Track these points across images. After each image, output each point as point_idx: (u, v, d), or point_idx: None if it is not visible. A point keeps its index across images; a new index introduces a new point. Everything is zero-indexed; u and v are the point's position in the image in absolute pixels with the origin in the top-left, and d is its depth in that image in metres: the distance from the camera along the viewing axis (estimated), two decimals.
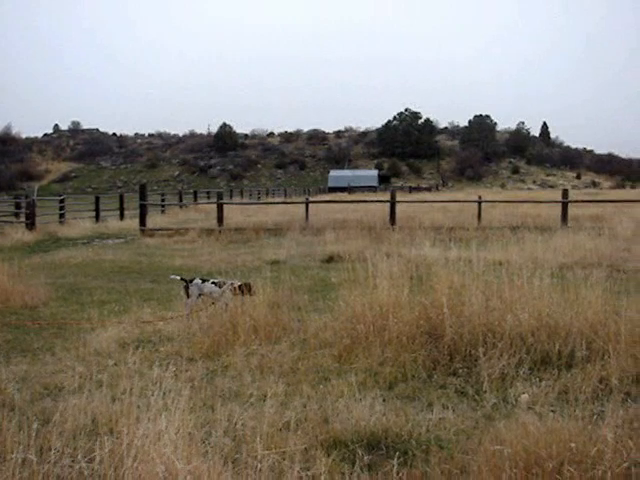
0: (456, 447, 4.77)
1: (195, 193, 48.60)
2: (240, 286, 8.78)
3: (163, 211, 37.30)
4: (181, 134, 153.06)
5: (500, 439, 4.29)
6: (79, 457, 4.05)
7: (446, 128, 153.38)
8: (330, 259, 16.18)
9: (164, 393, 4.63)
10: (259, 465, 3.99)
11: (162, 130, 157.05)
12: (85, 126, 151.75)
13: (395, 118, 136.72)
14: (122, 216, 32.09)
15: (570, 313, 7.05)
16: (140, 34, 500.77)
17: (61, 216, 30.11)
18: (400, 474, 4.23)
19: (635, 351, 6.37)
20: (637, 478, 3.77)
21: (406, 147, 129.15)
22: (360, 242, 17.68)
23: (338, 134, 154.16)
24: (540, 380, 6.12)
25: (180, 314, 9.21)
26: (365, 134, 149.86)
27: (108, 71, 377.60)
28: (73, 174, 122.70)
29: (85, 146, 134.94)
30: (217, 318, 8.26)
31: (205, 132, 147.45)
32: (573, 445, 3.95)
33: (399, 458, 4.36)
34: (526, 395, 5.78)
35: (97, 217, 31.09)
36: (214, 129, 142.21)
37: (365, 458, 4.48)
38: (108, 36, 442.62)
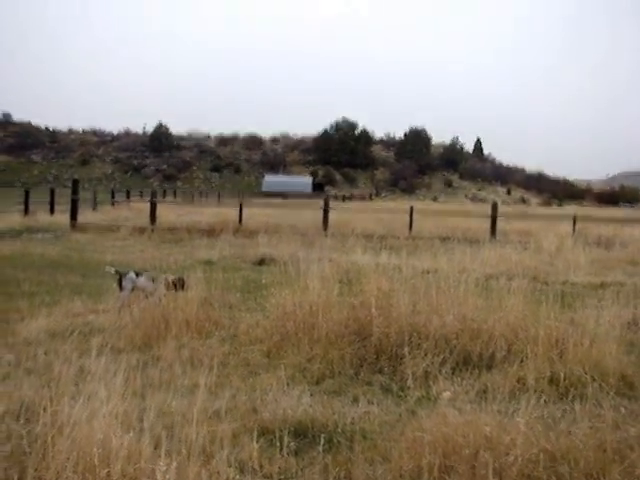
0: (379, 437, 4.99)
1: (128, 192, 48.09)
2: (174, 281, 8.87)
3: (95, 208, 36.80)
4: (116, 132, 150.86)
5: (421, 428, 4.52)
6: (14, 437, 4.11)
7: (382, 139, 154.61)
8: (262, 261, 16.30)
9: (96, 381, 4.70)
10: (190, 447, 4.11)
11: (97, 127, 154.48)
12: (16, 118, 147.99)
13: (332, 127, 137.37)
14: (52, 211, 31.52)
15: (493, 317, 7.35)
16: (73, 29, 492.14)
17: None
18: (325, 459, 4.43)
19: (551, 354, 6.70)
20: (544, 463, 4.03)
21: (341, 156, 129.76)
22: (292, 246, 17.79)
23: (274, 140, 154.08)
24: (462, 379, 6.38)
25: (112, 307, 9.22)
26: (301, 141, 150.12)
27: (41, 63, 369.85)
28: (2, 167, 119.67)
29: (15, 139, 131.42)
30: (149, 311, 8.30)
31: (140, 131, 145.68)
32: (489, 433, 4.21)
33: (324, 445, 4.54)
34: (448, 392, 6.02)
35: (26, 211, 30.46)
36: (150, 129, 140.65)
37: (292, 444, 4.64)
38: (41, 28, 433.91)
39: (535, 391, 5.86)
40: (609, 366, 6.63)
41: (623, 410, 5.45)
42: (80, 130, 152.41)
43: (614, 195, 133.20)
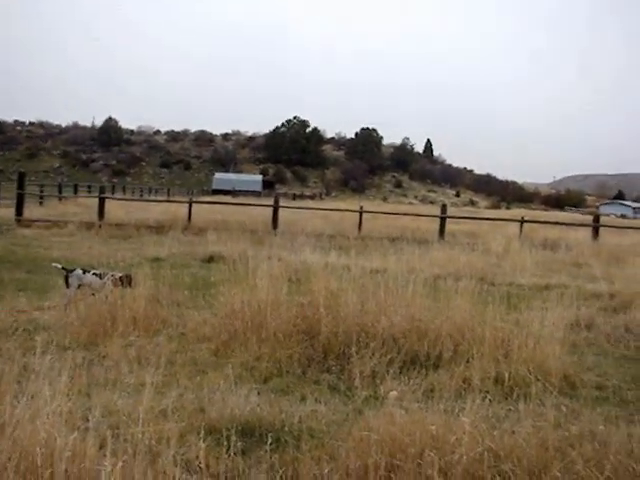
0: (326, 436, 5.02)
1: (76, 186, 47.39)
2: (121, 277, 8.80)
3: (41, 203, 36.15)
4: (64, 125, 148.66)
5: (368, 427, 4.54)
6: None
7: (333, 138, 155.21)
8: (211, 259, 16.23)
9: (40, 379, 4.63)
10: (136, 447, 4.08)
11: (44, 119, 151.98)
12: None
13: (283, 125, 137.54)
14: None
15: (440, 318, 7.45)
16: (19, 16, 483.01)
17: None
18: (272, 458, 4.44)
19: (497, 354, 6.82)
20: (488, 461, 4.09)
21: (292, 154, 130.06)
22: (241, 244, 17.70)
23: (225, 137, 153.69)
24: (409, 378, 6.44)
25: (57, 304, 9.09)
26: (252, 139, 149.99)
27: None
28: None
29: None
30: (96, 308, 8.21)
31: (89, 125, 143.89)
32: (434, 433, 4.26)
33: (271, 444, 4.53)
34: (395, 392, 6.07)
35: None
36: (99, 122, 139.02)
37: (239, 444, 4.62)
38: None
39: (480, 391, 5.96)
40: (552, 366, 6.78)
41: (565, 409, 5.57)
42: (27, 122, 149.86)
43: (560, 199, 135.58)
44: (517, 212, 63.87)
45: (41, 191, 40.01)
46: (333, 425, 5.33)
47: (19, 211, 24.95)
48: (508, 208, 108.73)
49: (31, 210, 28.57)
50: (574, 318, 9.36)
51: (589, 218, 32.99)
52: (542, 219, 39.60)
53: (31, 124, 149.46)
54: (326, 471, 4.23)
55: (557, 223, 33.90)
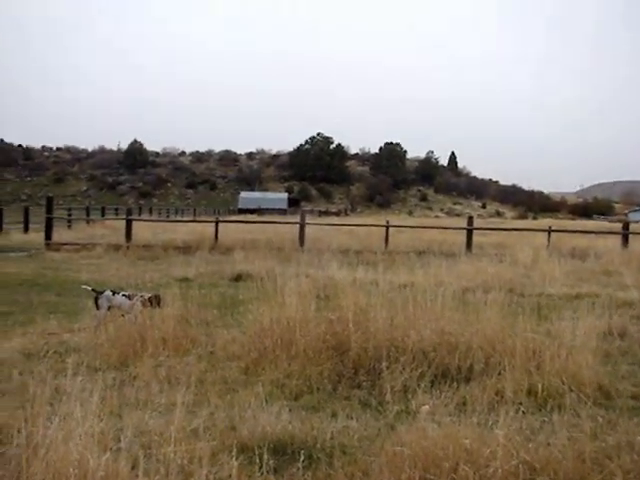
0: (359, 451, 4.98)
1: (103, 209, 47.78)
2: (150, 298, 8.84)
3: (70, 226, 36.53)
4: (90, 149, 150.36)
5: (401, 442, 4.50)
6: None
7: (357, 154, 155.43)
8: (239, 277, 16.24)
9: (72, 401, 4.65)
10: (169, 466, 4.07)
11: (70, 144, 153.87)
12: None
13: (307, 142, 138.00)
14: (27, 229, 31.33)
15: (470, 330, 7.38)
16: (43, 48, 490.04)
17: None
18: (305, 476, 4.41)
19: (529, 365, 6.73)
20: (524, 474, 4.03)
21: (317, 171, 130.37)
22: (269, 262, 17.72)
23: (250, 156, 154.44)
24: (440, 392, 6.36)
25: (87, 326, 9.14)
26: (277, 157, 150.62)
27: (12, 80, 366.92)
28: None
29: None
30: (125, 329, 8.24)
31: (115, 148, 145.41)
32: (468, 446, 4.20)
33: (304, 462, 4.51)
34: (427, 406, 6.01)
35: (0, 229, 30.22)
36: (124, 145, 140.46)
37: (271, 462, 4.60)
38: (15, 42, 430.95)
39: (513, 403, 5.89)
40: (586, 376, 6.68)
41: (600, 420, 5.48)
42: (54, 147, 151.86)
43: (587, 207, 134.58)
44: (544, 222, 63.43)
45: (69, 215, 40.34)
46: (365, 441, 5.29)
47: (48, 235, 25.22)
48: (535, 218, 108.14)
49: (60, 234, 28.84)
50: (606, 327, 9.23)
51: (618, 226, 32.66)
52: (570, 228, 39.30)
53: (58, 149, 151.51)
54: None
55: (585, 232, 33.63)
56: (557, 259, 18.80)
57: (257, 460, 4.52)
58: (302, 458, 4.50)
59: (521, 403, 6.01)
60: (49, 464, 3.79)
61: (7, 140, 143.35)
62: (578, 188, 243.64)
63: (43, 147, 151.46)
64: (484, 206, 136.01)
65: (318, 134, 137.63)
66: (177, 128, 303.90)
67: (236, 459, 4.42)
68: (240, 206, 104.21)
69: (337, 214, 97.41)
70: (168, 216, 65.53)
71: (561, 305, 11.81)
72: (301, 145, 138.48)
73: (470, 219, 26.42)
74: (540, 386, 6.42)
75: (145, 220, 39.45)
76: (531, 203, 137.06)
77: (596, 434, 5.01)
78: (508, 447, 4.19)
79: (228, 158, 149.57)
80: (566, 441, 4.53)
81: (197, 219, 51.83)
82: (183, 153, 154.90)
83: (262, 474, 4.41)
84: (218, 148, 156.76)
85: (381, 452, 4.65)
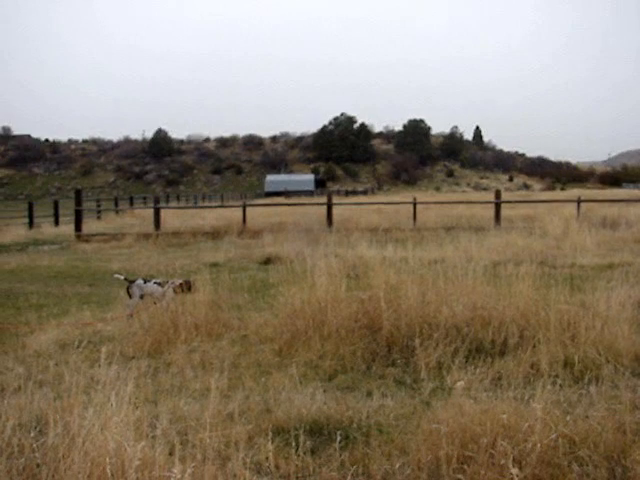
0: (395, 430, 4.95)
1: (131, 199, 48.09)
2: (181, 284, 8.87)
3: (99, 217, 36.86)
4: (115, 140, 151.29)
5: (437, 419, 4.47)
6: (26, 450, 4.07)
7: (381, 132, 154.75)
8: (268, 260, 16.26)
9: (107, 390, 4.66)
10: (205, 452, 4.07)
11: (96, 136, 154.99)
12: (16, 132, 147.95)
13: (331, 123, 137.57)
14: (57, 222, 31.59)
15: (503, 304, 7.30)
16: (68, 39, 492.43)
17: None
18: (342, 456, 4.39)
19: (564, 337, 6.65)
20: (563, 448, 3.98)
21: (342, 151, 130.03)
22: (297, 244, 17.73)
23: (274, 139, 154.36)
24: (475, 367, 6.31)
25: (120, 315, 9.20)
26: (301, 139, 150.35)
27: (39, 76, 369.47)
28: (4, 181, 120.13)
29: (16, 152, 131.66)
30: (158, 317, 8.27)
31: (140, 138, 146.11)
32: (506, 421, 4.16)
33: (340, 442, 4.49)
34: (462, 382, 5.96)
35: (31, 224, 30.46)
36: (149, 135, 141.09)
37: (308, 443, 4.59)
38: (38, 41, 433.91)
39: (550, 376, 5.83)
40: (622, 347, 6.58)
41: None
42: (80, 140, 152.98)
43: (617, 176, 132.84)
44: (573, 192, 62.73)
45: (98, 206, 40.65)
46: (401, 419, 5.25)
47: (78, 227, 25.44)
48: (563, 189, 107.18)
49: (89, 225, 29.11)
50: None
51: None
52: (599, 198, 38.87)
53: (84, 142, 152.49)
54: (397, 466, 4.17)
55: (615, 200, 33.25)
56: (587, 229, 18.61)
57: (293, 442, 4.51)
58: (339, 438, 4.48)
59: (557, 376, 5.96)
60: (87, 453, 3.80)
61: (34, 135, 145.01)
62: (606, 157, 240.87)
63: (69, 140, 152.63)
64: (511, 179, 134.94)
65: (342, 114, 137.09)
66: (200, 115, 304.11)
67: (272, 442, 4.42)
68: (267, 190, 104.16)
69: (364, 193, 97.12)
70: (196, 203, 65.67)
71: (594, 275, 11.68)
72: (325, 126, 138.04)
73: (497, 192, 26.19)
74: (576, 358, 6.34)
75: (173, 208, 39.66)
76: (559, 174, 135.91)
77: (635, 405, 4.94)
78: (546, 421, 4.13)
79: (253, 142, 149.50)
80: (605, 413, 4.47)
81: (224, 204, 52.00)
82: (208, 139, 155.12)
83: (299, 456, 4.40)
84: (242, 132, 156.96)
85: (417, 430, 4.62)
